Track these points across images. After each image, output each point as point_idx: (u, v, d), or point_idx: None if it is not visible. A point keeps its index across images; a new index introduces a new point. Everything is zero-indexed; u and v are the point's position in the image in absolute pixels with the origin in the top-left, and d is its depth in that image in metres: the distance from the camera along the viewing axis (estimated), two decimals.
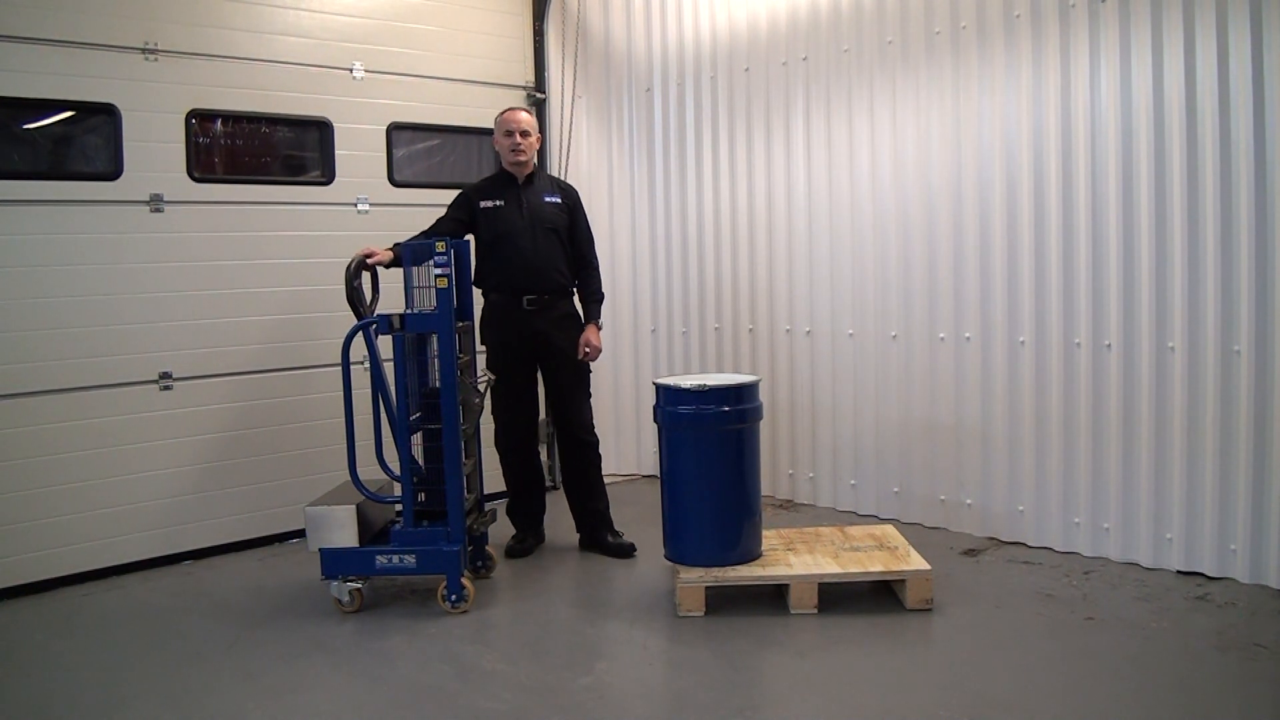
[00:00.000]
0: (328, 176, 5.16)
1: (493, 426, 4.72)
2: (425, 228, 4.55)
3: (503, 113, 4.66)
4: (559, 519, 4.99)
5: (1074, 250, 4.41)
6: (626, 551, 4.65)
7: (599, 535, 4.74)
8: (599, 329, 4.71)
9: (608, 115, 6.24)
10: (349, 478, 4.08)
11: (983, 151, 4.67)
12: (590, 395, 4.78)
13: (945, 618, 3.82)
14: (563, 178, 5.44)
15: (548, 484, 5.42)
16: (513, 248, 4.52)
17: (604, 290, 4.82)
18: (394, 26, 5.34)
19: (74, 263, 4.45)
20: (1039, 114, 4.47)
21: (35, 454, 4.38)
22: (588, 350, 4.64)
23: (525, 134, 4.56)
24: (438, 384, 4.08)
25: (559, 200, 4.65)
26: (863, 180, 5.16)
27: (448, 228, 4.52)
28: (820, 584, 3.90)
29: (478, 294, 4.62)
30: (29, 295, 4.35)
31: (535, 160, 4.71)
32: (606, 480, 4.85)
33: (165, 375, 4.70)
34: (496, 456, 4.79)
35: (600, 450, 4.81)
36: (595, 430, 4.79)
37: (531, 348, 4.60)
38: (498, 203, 4.56)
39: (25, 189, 4.33)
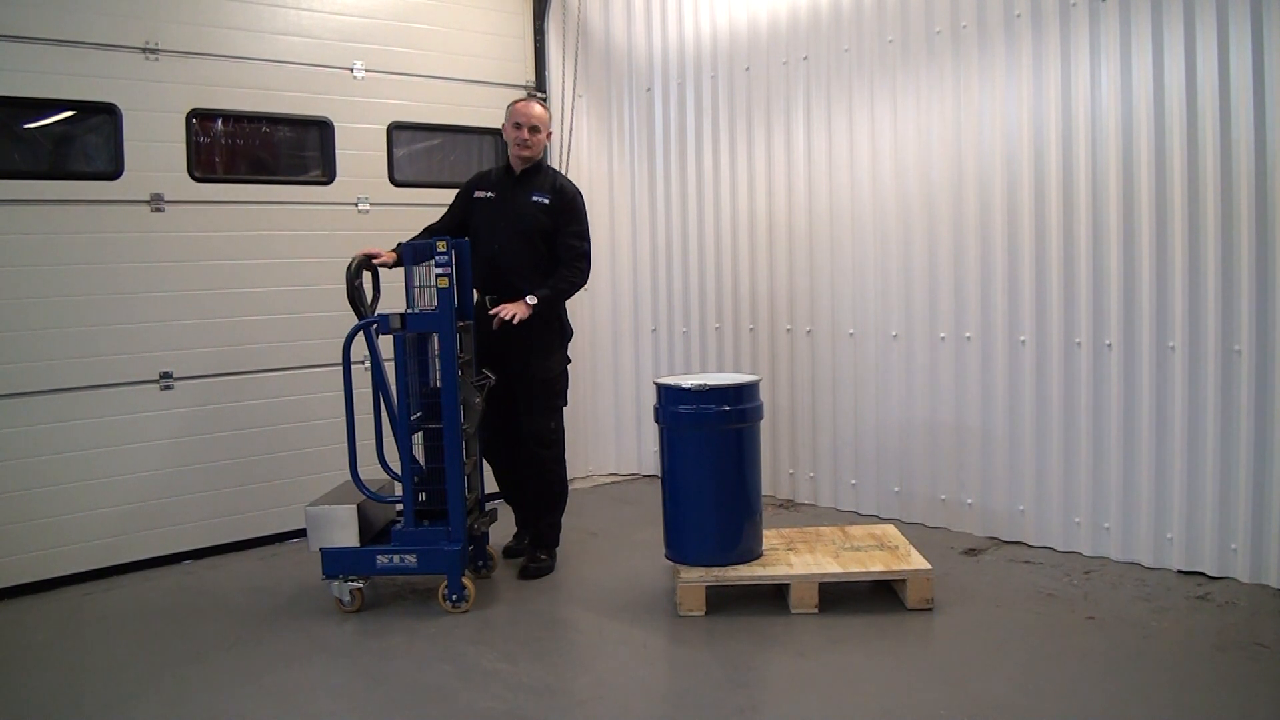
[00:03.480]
0: (328, 176, 5.16)
1: None
2: (425, 226, 4.54)
3: (516, 102, 4.46)
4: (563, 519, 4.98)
5: (1074, 249, 4.40)
6: (535, 574, 4.44)
7: (525, 547, 4.60)
8: (527, 305, 4.20)
9: (608, 115, 6.24)
10: (349, 477, 4.08)
11: (983, 150, 4.67)
12: (557, 406, 4.51)
13: (946, 617, 3.82)
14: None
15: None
16: (484, 244, 4.36)
17: (572, 282, 4.39)
18: (394, 26, 5.34)
19: (75, 262, 4.45)
20: (1040, 113, 4.47)
21: (36, 453, 4.38)
22: (504, 312, 4.17)
23: (535, 129, 4.34)
24: (438, 383, 4.08)
25: (546, 201, 4.36)
26: (863, 179, 5.16)
27: (447, 221, 4.49)
28: (821, 584, 3.90)
29: None
30: (29, 295, 4.35)
31: (543, 156, 4.53)
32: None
33: (165, 375, 4.70)
34: None
35: (564, 465, 4.58)
36: (556, 443, 4.51)
37: (496, 348, 4.35)
38: (489, 195, 4.45)
39: (26, 188, 4.33)
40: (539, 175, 4.47)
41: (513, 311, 4.18)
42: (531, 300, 4.24)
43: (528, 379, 4.39)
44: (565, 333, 4.55)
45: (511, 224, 4.38)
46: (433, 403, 4.10)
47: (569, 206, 4.43)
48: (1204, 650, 3.44)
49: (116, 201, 4.54)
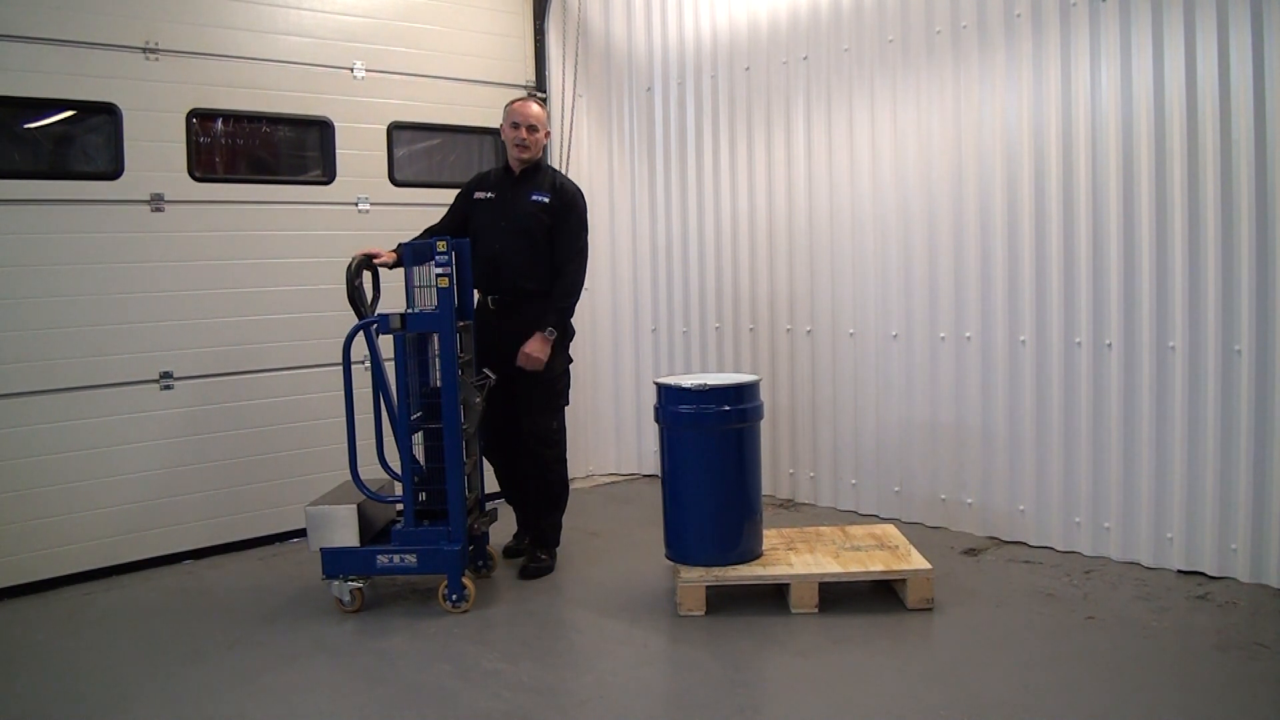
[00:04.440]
0: (328, 176, 5.16)
1: None
2: (426, 226, 4.54)
3: (513, 102, 4.47)
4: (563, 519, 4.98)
5: (1075, 249, 4.40)
6: (535, 574, 4.44)
7: (525, 547, 4.60)
8: (546, 339, 4.30)
9: (608, 114, 6.24)
10: (350, 477, 4.08)
11: (983, 150, 4.67)
12: (558, 406, 4.52)
13: (946, 617, 3.82)
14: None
15: None
16: (485, 245, 4.37)
17: (573, 293, 4.43)
18: (395, 26, 5.34)
19: (74, 262, 4.45)
20: (1040, 113, 4.47)
21: (36, 453, 4.38)
22: (526, 362, 4.30)
23: (533, 129, 4.36)
24: (438, 383, 4.08)
25: (546, 200, 4.37)
26: (863, 179, 5.16)
27: (448, 222, 4.50)
28: (821, 583, 3.90)
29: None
30: (29, 294, 4.35)
31: (542, 156, 4.54)
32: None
33: (165, 375, 4.70)
34: None
35: (565, 465, 4.59)
36: (557, 443, 4.51)
37: (498, 348, 4.37)
38: (489, 196, 4.46)
39: (26, 188, 4.33)
40: (538, 174, 4.48)
41: (537, 358, 4.30)
42: (549, 334, 4.33)
43: (530, 378, 4.38)
44: (567, 332, 4.54)
45: (512, 223, 4.38)
46: (433, 403, 4.10)
47: (569, 205, 4.43)
48: (1204, 650, 3.44)
49: (116, 201, 4.54)
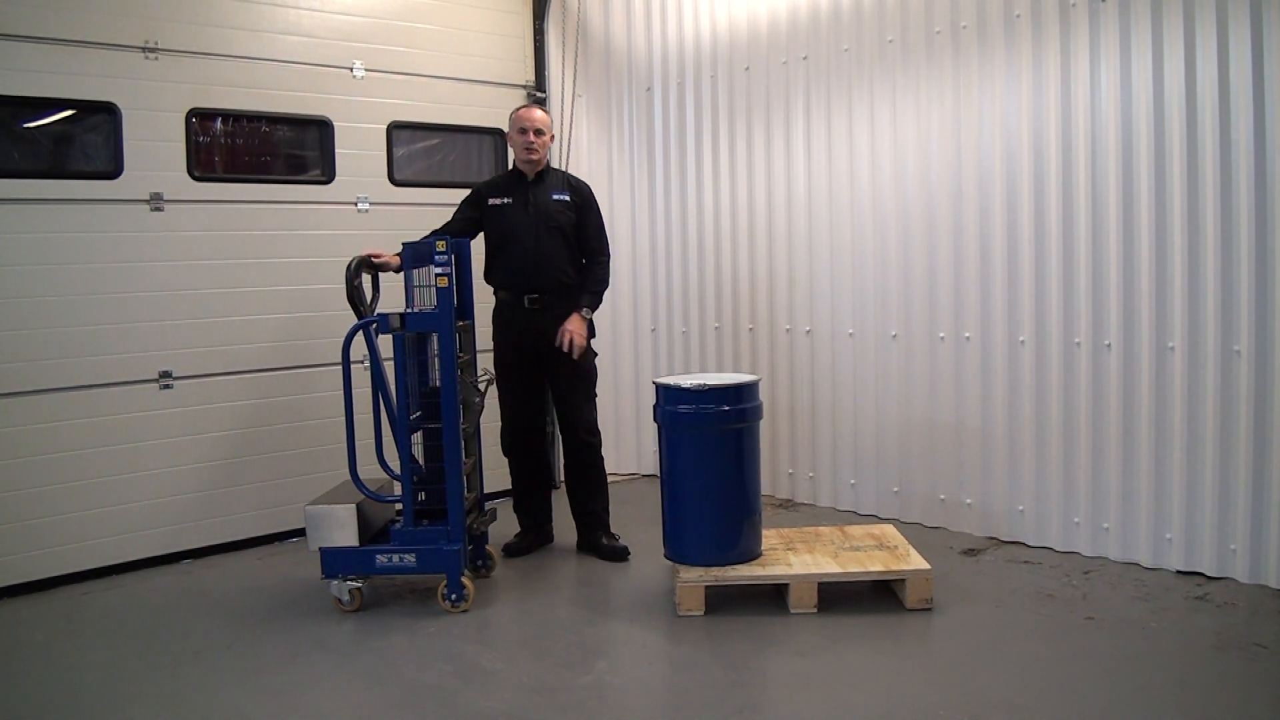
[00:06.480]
0: (328, 175, 5.16)
1: (495, 425, 4.72)
2: (432, 225, 4.56)
3: (518, 109, 4.65)
4: (565, 519, 4.98)
5: (1074, 250, 4.41)
6: (620, 555, 4.62)
7: (594, 536, 4.71)
8: (584, 319, 4.54)
9: (608, 114, 6.24)
10: (349, 477, 4.08)
11: (983, 151, 4.67)
12: (594, 396, 4.74)
13: (945, 617, 3.83)
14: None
15: (554, 484, 5.41)
16: (516, 246, 4.52)
17: (606, 281, 4.69)
18: (394, 25, 5.34)
19: (74, 261, 4.45)
20: (1039, 113, 4.47)
21: (35, 452, 4.38)
22: (568, 339, 4.45)
23: (540, 132, 4.54)
24: (438, 383, 4.08)
25: (567, 198, 4.59)
26: (863, 179, 5.16)
27: (459, 226, 4.55)
28: (820, 583, 3.90)
29: (486, 290, 4.63)
30: (29, 294, 4.35)
31: (548, 158, 4.69)
32: (606, 480, 4.82)
33: (165, 374, 4.70)
34: (497, 455, 4.79)
35: (603, 452, 4.77)
36: (598, 430, 4.75)
37: (534, 346, 4.57)
38: (506, 200, 4.56)
39: (26, 188, 4.33)
40: (550, 175, 4.65)
41: (580, 333, 4.51)
42: (585, 314, 4.56)
43: (570, 372, 4.59)
44: (592, 326, 4.69)
45: (543, 222, 4.53)
46: (432, 402, 4.10)
47: (588, 201, 4.70)
48: (1203, 651, 3.45)
49: (116, 201, 4.54)
